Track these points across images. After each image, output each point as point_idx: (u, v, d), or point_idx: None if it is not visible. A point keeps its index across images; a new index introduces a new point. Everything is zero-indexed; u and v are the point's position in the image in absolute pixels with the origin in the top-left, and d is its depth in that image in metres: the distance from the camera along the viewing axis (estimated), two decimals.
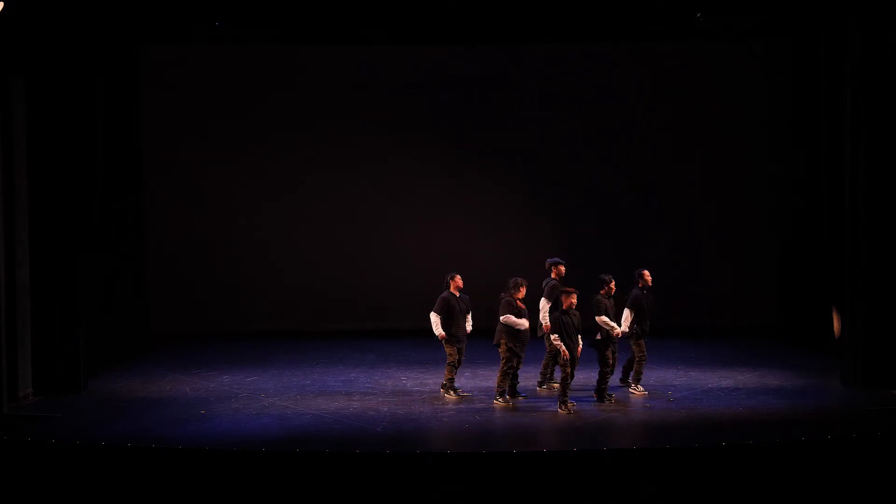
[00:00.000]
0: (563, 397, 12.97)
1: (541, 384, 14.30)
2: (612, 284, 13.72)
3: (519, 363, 13.53)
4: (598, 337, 13.45)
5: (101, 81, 15.92)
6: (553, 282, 14.04)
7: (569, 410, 12.88)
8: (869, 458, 11.22)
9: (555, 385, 13.94)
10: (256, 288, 19.31)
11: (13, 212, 13.68)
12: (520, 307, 13.40)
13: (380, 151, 19.33)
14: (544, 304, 13.81)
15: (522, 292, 13.49)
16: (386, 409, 13.19)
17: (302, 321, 19.21)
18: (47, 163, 14.01)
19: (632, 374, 14.13)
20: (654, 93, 19.29)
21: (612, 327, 13.43)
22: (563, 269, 14.17)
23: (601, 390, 13.44)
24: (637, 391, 13.94)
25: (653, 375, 14.92)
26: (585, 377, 14.07)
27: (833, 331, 16.06)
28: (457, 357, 13.80)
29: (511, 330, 13.35)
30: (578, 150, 19.31)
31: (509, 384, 13.54)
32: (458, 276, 13.93)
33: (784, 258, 18.24)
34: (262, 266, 19.36)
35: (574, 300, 13.05)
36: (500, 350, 13.45)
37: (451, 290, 13.82)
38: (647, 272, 14.10)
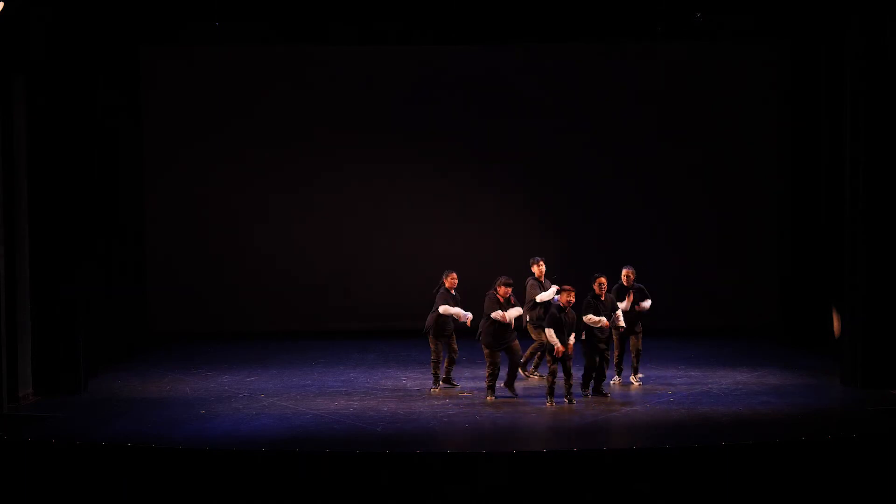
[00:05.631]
0: (550, 391, 13.25)
1: (523, 367, 14.69)
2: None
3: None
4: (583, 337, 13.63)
5: (100, 81, 15.92)
6: (533, 280, 14.54)
7: (552, 404, 13.16)
8: (869, 458, 11.21)
9: (538, 376, 14.66)
10: (256, 288, 19.29)
11: (13, 211, 13.68)
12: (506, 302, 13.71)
13: (380, 151, 19.31)
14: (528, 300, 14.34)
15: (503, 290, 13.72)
16: (386, 409, 13.19)
17: (302, 321, 19.20)
18: (47, 163, 14.01)
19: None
20: (655, 93, 19.26)
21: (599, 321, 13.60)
22: (542, 266, 14.58)
23: (585, 383, 13.72)
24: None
25: (653, 375, 14.95)
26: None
27: (833, 331, 16.07)
28: (446, 353, 14.20)
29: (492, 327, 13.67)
30: (578, 150, 19.30)
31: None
32: (454, 274, 14.16)
33: (784, 258, 18.24)
34: (263, 266, 19.35)
35: (573, 298, 13.24)
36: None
37: (447, 287, 14.10)
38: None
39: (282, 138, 19.29)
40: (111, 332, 16.19)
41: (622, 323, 13.90)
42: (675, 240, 19.31)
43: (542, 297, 14.25)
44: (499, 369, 13.71)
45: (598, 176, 19.35)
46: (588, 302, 13.59)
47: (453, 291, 14.13)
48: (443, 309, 13.98)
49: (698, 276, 19.20)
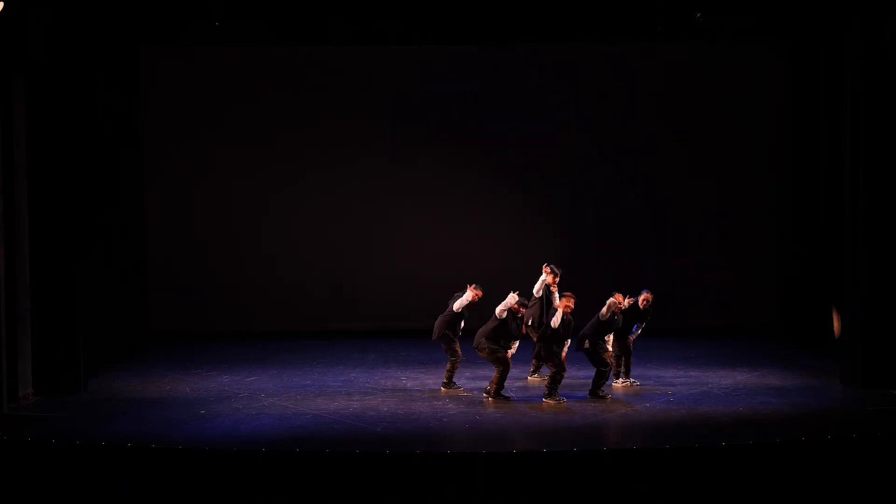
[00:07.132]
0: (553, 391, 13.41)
1: (532, 373, 14.88)
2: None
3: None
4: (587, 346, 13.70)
5: (100, 81, 15.92)
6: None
7: (557, 401, 13.27)
8: (869, 458, 11.22)
9: (538, 378, 14.71)
10: (256, 288, 19.29)
11: (13, 212, 13.68)
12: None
13: (380, 152, 19.31)
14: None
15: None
16: (386, 409, 13.19)
17: (302, 321, 19.20)
18: (47, 163, 14.00)
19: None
20: (655, 93, 19.27)
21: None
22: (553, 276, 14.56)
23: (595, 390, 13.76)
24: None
25: (653, 375, 14.95)
26: (586, 375, 14.13)
27: (833, 331, 16.07)
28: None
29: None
30: (578, 151, 19.30)
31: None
32: (480, 291, 14.10)
33: (784, 258, 18.24)
34: (262, 266, 19.35)
35: (571, 304, 13.37)
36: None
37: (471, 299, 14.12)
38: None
39: (282, 138, 19.28)
40: (111, 332, 16.19)
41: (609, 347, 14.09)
42: (675, 240, 19.32)
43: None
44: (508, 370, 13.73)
45: (598, 176, 19.34)
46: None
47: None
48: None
49: (698, 276, 19.21)
